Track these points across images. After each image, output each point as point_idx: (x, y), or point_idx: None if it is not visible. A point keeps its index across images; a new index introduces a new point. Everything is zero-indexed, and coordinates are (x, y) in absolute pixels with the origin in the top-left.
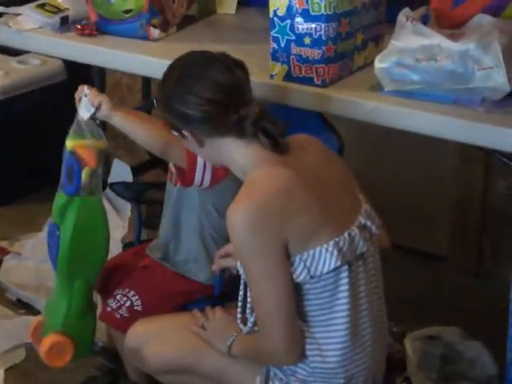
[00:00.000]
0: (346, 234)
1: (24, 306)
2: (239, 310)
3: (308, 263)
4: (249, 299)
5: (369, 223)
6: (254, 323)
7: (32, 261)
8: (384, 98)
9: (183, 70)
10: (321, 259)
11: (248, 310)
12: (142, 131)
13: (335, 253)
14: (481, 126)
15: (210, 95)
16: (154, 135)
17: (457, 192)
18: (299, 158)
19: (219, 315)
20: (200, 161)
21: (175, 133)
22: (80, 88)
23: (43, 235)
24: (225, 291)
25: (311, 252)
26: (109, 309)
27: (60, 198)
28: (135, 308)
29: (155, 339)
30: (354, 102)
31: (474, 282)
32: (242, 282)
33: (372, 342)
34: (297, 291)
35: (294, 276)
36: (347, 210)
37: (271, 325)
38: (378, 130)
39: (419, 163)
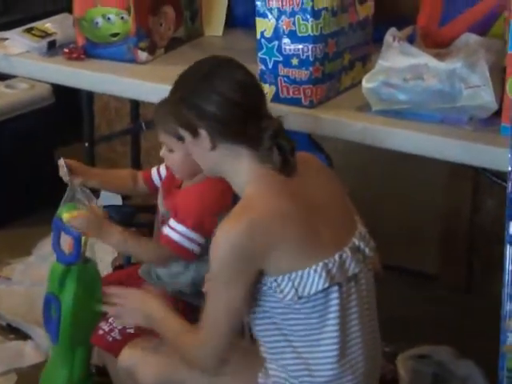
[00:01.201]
0: (336, 256)
1: (14, 332)
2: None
3: (296, 283)
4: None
5: (362, 245)
6: (251, 336)
7: (22, 286)
8: (372, 117)
9: (211, 68)
10: (309, 280)
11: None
12: (114, 184)
13: (323, 274)
14: (468, 144)
15: (234, 96)
16: (123, 183)
17: (446, 210)
18: (300, 178)
19: (134, 291)
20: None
21: (185, 132)
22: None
23: (33, 259)
24: None
25: (299, 273)
26: (101, 332)
27: (57, 268)
28: (127, 330)
29: (149, 358)
30: (342, 123)
31: (465, 300)
32: None
33: (364, 364)
34: (286, 310)
35: (281, 295)
36: (341, 231)
37: (212, 335)
38: (366, 150)
39: (407, 182)
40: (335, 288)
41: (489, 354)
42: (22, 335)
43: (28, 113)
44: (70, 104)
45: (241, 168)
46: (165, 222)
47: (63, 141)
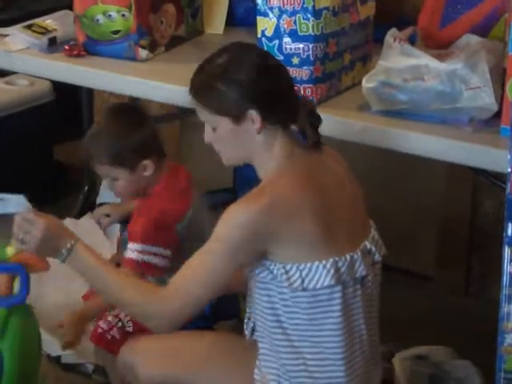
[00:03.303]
0: (347, 256)
1: None
2: (246, 319)
3: (304, 274)
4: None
5: (374, 249)
6: (252, 330)
7: None
8: (372, 118)
9: (262, 59)
10: (316, 274)
11: (245, 320)
12: None
13: (332, 271)
14: (468, 145)
15: (277, 73)
16: None
17: (445, 212)
18: (326, 170)
19: (43, 220)
20: None
21: (224, 118)
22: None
23: None
24: (216, 310)
25: (308, 264)
26: (100, 330)
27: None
28: (126, 329)
29: (150, 354)
30: (342, 122)
31: (463, 302)
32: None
33: (363, 369)
34: (289, 302)
35: (287, 283)
36: (355, 232)
37: (186, 293)
38: (365, 150)
39: (406, 183)
40: (339, 287)
41: (486, 355)
42: None
43: (28, 109)
44: (69, 101)
45: (273, 151)
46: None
47: (63, 138)
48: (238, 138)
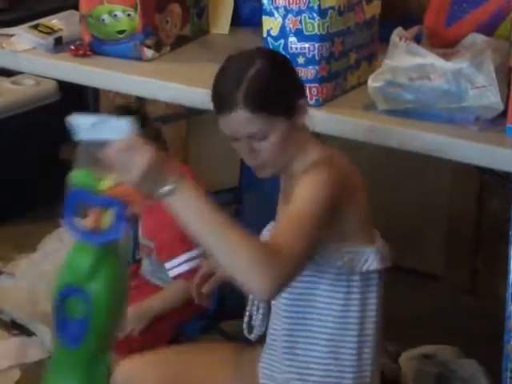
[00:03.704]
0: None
1: (18, 327)
2: (246, 318)
3: (355, 256)
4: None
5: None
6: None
7: (26, 282)
8: (378, 117)
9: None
10: (369, 257)
11: (253, 317)
12: None
13: (378, 256)
14: (474, 144)
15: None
16: None
17: (451, 210)
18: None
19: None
20: None
21: (283, 116)
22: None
23: (38, 256)
24: (221, 309)
25: (361, 248)
26: None
27: (83, 251)
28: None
29: (149, 372)
30: (348, 122)
31: (469, 301)
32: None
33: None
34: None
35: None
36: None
37: (295, 253)
38: (371, 150)
39: (412, 182)
40: (376, 274)
41: (492, 354)
42: (26, 331)
43: (34, 109)
44: (75, 101)
45: (311, 142)
46: (145, 250)
47: (69, 138)
48: (291, 136)
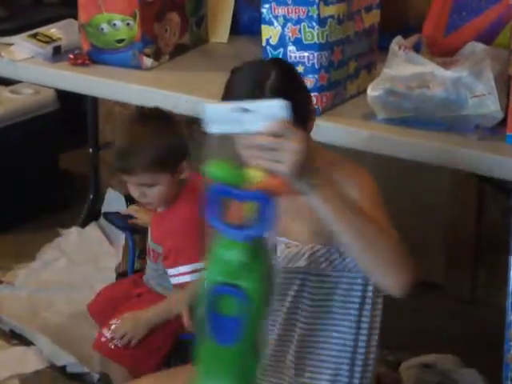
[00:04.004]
0: None
1: (17, 337)
2: None
3: None
4: None
5: None
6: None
7: (25, 291)
8: (377, 126)
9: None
10: None
11: None
12: None
13: None
14: (474, 153)
15: None
16: None
17: (450, 219)
18: None
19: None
20: None
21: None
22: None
23: (37, 265)
24: None
25: None
26: (103, 339)
27: (232, 247)
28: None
29: None
30: (347, 131)
31: (469, 309)
32: None
33: None
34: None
35: None
36: None
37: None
38: (370, 159)
39: (411, 191)
40: None
41: (493, 363)
42: (25, 341)
43: (33, 118)
44: (74, 110)
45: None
46: (152, 254)
47: (68, 146)
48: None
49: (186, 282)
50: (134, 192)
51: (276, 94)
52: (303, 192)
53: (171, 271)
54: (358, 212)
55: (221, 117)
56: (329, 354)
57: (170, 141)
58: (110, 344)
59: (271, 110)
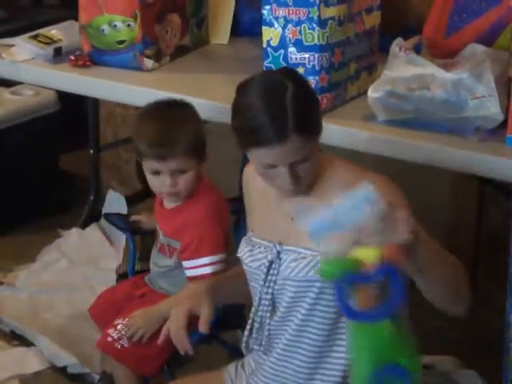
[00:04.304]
0: None
1: (17, 338)
2: (246, 333)
3: None
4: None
5: None
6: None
7: (26, 292)
8: (378, 127)
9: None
10: None
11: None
12: None
13: None
14: (474, 154)
15: None
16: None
17: (450, 220)
18: None
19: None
20: None
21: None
22: None
23: (37, 266)
24: (221, 319)
25: None
26: (110, 339)
27: (377, 330)
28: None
29: None
30: (347, 132)
31: (469, 310)
32: (256, 304)
33: None
34: None
35: None
36: None
37: None
38: (370, 160)
39: (412, 192)
40: None
41: (492, 364)
42: (26, 342)
43: (33, 119)
44: (75, 111)
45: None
46: (167, 249)
47: (68, 148)
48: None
49: (204, 274)
50: (165, 180)
51: (298, 107)
52: (409, 249)
53: (190, 263)
54: (443, 257)
55: (322, 226)
56: (341, 357)
57: (200, 127)
58: (117, 344)
59: (365, 197)
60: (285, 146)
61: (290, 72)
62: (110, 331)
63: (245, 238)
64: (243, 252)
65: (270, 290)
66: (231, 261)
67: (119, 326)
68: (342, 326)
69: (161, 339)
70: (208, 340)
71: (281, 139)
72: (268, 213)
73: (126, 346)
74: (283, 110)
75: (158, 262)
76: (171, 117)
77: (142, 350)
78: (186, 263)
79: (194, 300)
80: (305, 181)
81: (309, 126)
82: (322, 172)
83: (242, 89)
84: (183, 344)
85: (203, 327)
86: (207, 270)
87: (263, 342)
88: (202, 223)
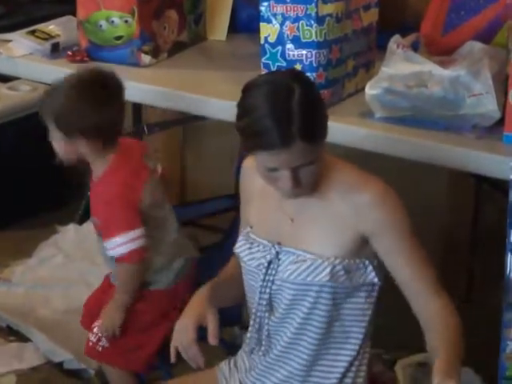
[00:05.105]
0: None
1: (14, 333)
2: (249, 335)
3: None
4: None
5: None
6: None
7: (22, 287)
8: (375, 124)
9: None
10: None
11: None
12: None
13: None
14: (471, 152)
15: None
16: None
17: (446, 219)
18: None
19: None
20: None
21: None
22: None
23: (33, 261)
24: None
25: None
26: (90, 343)
27: None
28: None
29: None
30: (344, 129)
31: (465, 308)
32: (255, 304)
33: None
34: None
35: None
36: None
37: (431, 273)
38: (366, 158)
39: (408, 190)
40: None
41: (489, 363)
42: (22, 337)
43: (31, 115)
44: None
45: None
46: (96, 228)
47: None
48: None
49: (124, 254)
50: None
51: (304, 111)
52: None
53: (107, 244)
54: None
55: None
56: (338, 359)
57: (83, 115)
58: (98, 347)
59: None
60: (288, 150)
61: (297, 74)
62: (90, 336)
63: (243, 233)
64: (241, 249)
65: (267, 290)
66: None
67: (95, 329)
68: (336, 331)
69: (172, 358)
70: (204, 337)
71: (285, 144)
72: (268, 211)
73: (106, 346)
74: (289, 114)
75: (101, 247)
76: (61, 83)
77: (122, 345)
78: (105, 245)
79: (198, 310)
80: (307, 184)
81: (314, 130)
82: (325, 173)
83: (248, 89)
84: (196, 358)
85: (212, 340)
86: (125, 250)
87: (263, 342)
88: (108, 204)
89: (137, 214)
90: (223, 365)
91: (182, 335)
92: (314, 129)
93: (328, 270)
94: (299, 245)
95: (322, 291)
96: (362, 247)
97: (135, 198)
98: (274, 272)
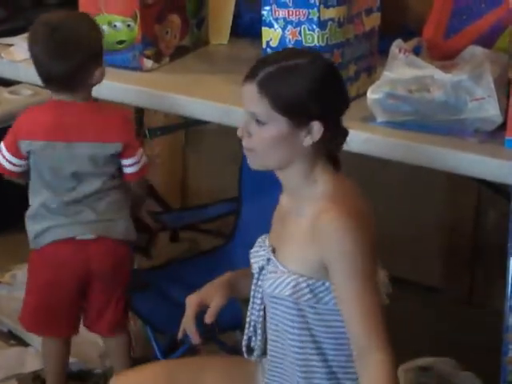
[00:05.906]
0: None
1: (15, 338)
2: (245, 337)
3: None
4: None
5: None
6: (263, 351)
7: (23, 291)
8: (377, 129)
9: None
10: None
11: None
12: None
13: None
14: (473, 156)
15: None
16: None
17: (449, 222)
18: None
19: None
20: None
21: (286, 117)
22: None
23: None
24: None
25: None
26: None
27: None
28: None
29: None
30: None
31: (467, 313)
32: (252, 308)
33: None
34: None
35: None
36: None
37: (373, 322)
38: (368, 161)
39: (410, 194)
40: None
41: (490, 366)
42: (23, 342)
43: None
44: None
45: (316, 170)
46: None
47: None
48: (287, 143)
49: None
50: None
51: (285, 69)
52: None
53: (133, 160)
54: None
55: None
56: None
57: (41, 59)
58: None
59: None
60: (245, 87)
61: (327, 61)
62: None
63: (265, 235)
64: (253, 249)
65: (259, 295)
66: None
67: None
68: (310, 340)
69: (180, 334)
70: (206, 341)
71: (246, 77)
72: (275, 218)
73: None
74: (273, 63)
75: None
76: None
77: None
78: (131, 162)
79: (207, 290)
80: (257, 148)
81: (278, 89)
82: (312, 183)
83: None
84: (192, 334)
85: (207, 318)
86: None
87: (258, 343)
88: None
89: (11, 142)
90: (264, 360)
91: (186, 309)
92: (276, 87)
93: (291, 285)
94: (279, 256)
95: (283, 304)
96: (326, 271)
97: (15, 133)
98: (264, 278)
